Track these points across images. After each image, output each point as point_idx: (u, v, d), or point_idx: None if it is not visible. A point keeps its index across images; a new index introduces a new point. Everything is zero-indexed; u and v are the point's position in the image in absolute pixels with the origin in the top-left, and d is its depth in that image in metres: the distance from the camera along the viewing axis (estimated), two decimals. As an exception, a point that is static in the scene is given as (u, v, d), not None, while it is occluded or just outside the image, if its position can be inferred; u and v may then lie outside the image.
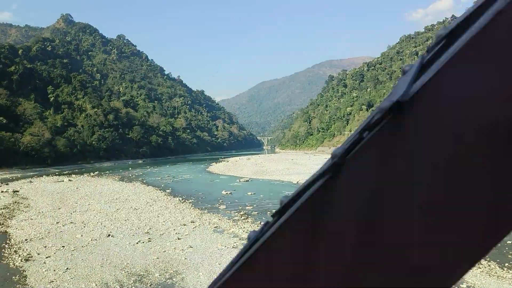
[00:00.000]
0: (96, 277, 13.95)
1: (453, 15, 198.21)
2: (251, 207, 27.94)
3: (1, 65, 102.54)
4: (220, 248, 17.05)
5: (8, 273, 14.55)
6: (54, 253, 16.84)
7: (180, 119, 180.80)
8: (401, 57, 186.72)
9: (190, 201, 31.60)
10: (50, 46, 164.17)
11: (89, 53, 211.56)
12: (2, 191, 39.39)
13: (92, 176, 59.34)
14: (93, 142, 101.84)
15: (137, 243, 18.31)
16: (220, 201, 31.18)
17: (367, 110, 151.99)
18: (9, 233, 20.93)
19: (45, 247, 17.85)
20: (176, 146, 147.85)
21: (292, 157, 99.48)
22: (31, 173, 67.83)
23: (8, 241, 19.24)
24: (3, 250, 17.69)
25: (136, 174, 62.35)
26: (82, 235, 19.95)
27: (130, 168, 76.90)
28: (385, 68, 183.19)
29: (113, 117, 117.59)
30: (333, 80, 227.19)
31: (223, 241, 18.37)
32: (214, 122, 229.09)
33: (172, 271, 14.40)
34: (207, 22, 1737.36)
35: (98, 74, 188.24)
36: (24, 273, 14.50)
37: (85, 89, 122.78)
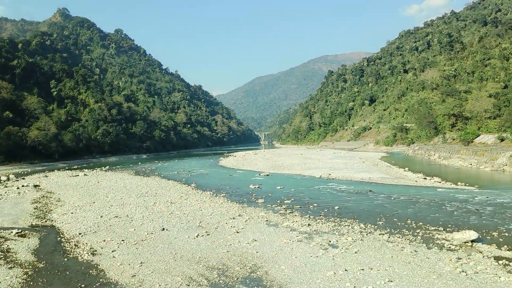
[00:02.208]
0: (176, 270, 13.65)
1: (452, 11, 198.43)
2: (289, 201, 27.67)
3: (3, 59, 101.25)
4: (286, 242, 16.80)
5: (83, 267, 14.21)
6: (118, 247, 16.49)
7: (180, 114, 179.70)
8: (401, 52, 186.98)
9: (222, 195, 31.29)
10: (49, 41, 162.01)
11: (88, 47, 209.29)
12: (23, 186, 38.82)
13: (105, 170, 58.77)
14: (98, 137, 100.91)
15: (196, 236, 18.01)
16: (254, 195, 30.87)
17: (369, 105, 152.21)
18: (58, 227, 20.52)
19: (104, 241, 17.49)
20: (178, 141, 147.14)
21: (300, 152, 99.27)
22: (40, 168, 67.09)
23: (61, 235, 18.85)
24: (62, 244, 17.32)
25: (149, 168, 61.82)
26: (135, 229, 19.60)
27: (139, 163, 76.29)
28: (385, 63, 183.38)
29: (116, 111, 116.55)
30: (332, 75, 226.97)
31: (285, 234, 18.12)
32: (213, 117, 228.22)
33: (250, 265, 14.13)
34: (202, 17, 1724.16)
35: (97, 69, 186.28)
36: (98, 267, 14.16)
37: (87, 84, 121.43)
